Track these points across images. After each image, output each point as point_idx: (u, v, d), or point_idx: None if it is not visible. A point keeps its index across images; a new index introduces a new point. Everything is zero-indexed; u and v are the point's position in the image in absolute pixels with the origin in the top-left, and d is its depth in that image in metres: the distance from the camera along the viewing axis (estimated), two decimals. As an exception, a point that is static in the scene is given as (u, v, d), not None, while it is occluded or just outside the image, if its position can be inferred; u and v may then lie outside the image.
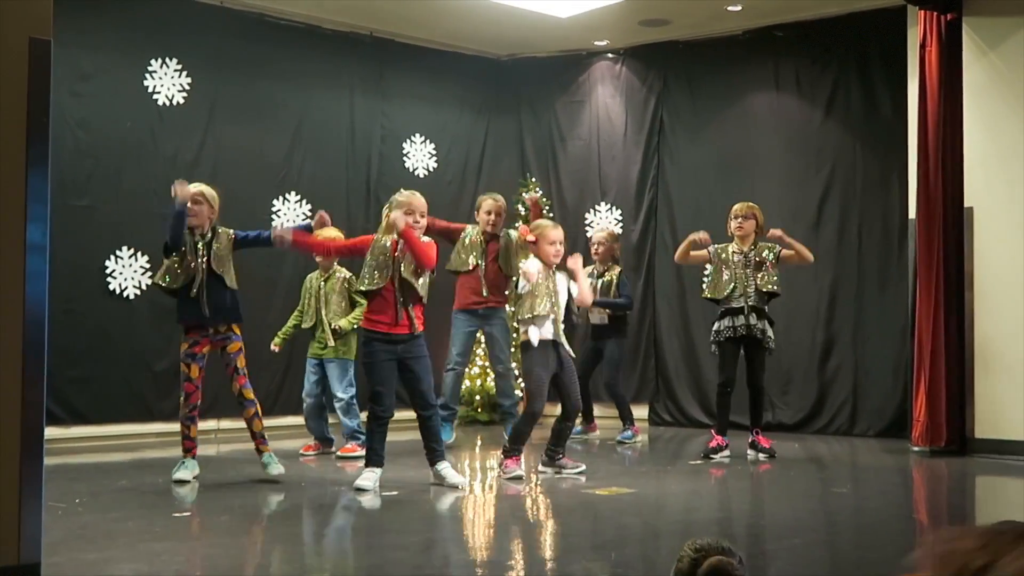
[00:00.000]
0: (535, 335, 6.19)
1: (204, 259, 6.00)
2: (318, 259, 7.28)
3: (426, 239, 5.92)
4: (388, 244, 5.79)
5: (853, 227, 8.81)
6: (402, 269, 5.76)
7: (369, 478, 5.76)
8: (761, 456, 7.18)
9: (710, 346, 7.46)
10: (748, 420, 7.36)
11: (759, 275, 7.16)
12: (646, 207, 9.80)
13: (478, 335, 8.02)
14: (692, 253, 7.38)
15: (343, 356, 7.26)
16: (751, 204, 7.35)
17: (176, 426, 6.20)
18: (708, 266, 7.42)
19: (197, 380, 5.98)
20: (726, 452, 7.13)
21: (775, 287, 7.20)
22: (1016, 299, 7.33)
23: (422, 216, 5.86)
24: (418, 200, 5.90)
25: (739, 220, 7.24)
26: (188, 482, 5.94)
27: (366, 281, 5.81)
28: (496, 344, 7.76)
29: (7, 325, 3.35)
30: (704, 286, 7.49)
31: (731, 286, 7.13)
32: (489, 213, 7.67)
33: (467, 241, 7.62)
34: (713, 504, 5.90)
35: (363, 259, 5.89)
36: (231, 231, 6.15)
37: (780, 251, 7.25)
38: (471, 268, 7.57)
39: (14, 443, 3.34)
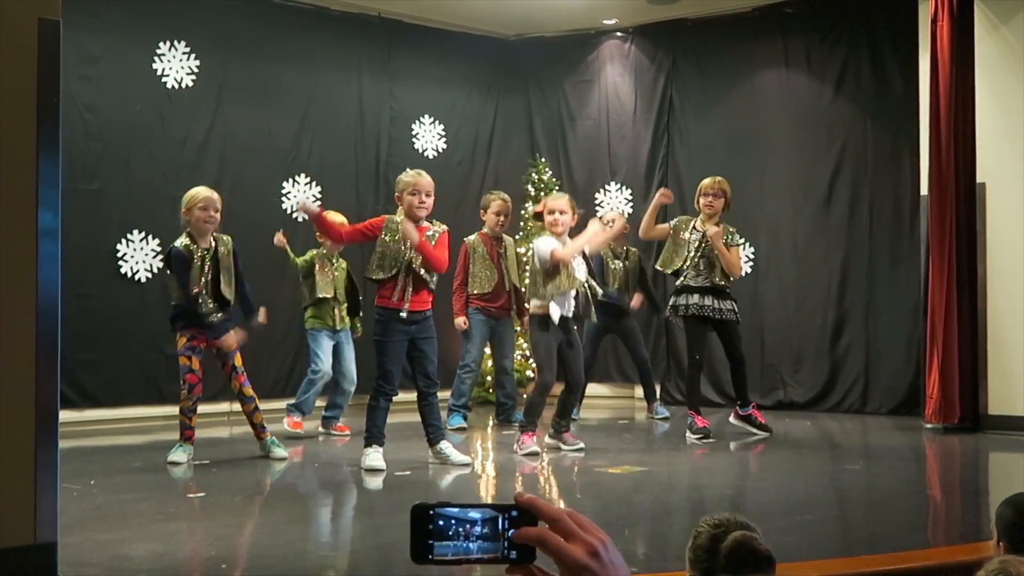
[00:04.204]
0: (556, 312, 6.21)
1: (212, 269, 6.05)
2: (326, 243, 7.28)
3: (430, 227, 5.95)
4: (401, 243, 5.78)
5: (864, 204, 8.77)
6: (414, 265, 5.79)
7: (378, 458, 5.78)
8: (756, 432, 7.16)
9: (667, 318, 7.29)
10: (735, 396, 7.35)
11: (719, 266, 6.98)
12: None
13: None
14: (656, 228, 7.20)
15: (349, 328, 7.38)
16: (721, 180, 7.16)
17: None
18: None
19: (199, 371, 6.03)
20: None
21: (727, 279, 7.05)
22: (1029, 275, 7.30)
23: (428, 196, 5.86)
24: (424, 180, 5.90)
25: (709, 198, 7.05)
26: (183, 464, 5.93)
27: (379, 272, 5.78)
28: (505, 344, 7.90)
29: (21, 310, 3.35)
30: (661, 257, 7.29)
31: (682, 263, 7.03)
32: (499, 215, 7.69)
33: (479, 259, 7.65)
34: (724, 481, 5.90)
35: (373, 242, 5.90)
36: (231, 245, 6.17)
37: (736, 241, 7.17)
38: (496, 284, 7.65)
39: (29, 425, 3.35)
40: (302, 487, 5.73)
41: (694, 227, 7.08)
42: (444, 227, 6.03)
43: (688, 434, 7.04)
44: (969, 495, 5.62)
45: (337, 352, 7.29)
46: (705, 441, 6.92)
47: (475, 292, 7.63)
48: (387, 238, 5.81)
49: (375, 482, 5.59)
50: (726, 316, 7.02)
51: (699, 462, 6.45)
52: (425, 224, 5.92)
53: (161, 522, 4.47)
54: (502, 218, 7.72)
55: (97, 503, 4.89)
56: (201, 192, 6.10)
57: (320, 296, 7.22)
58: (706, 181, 7.19)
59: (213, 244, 6.07)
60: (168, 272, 6.13)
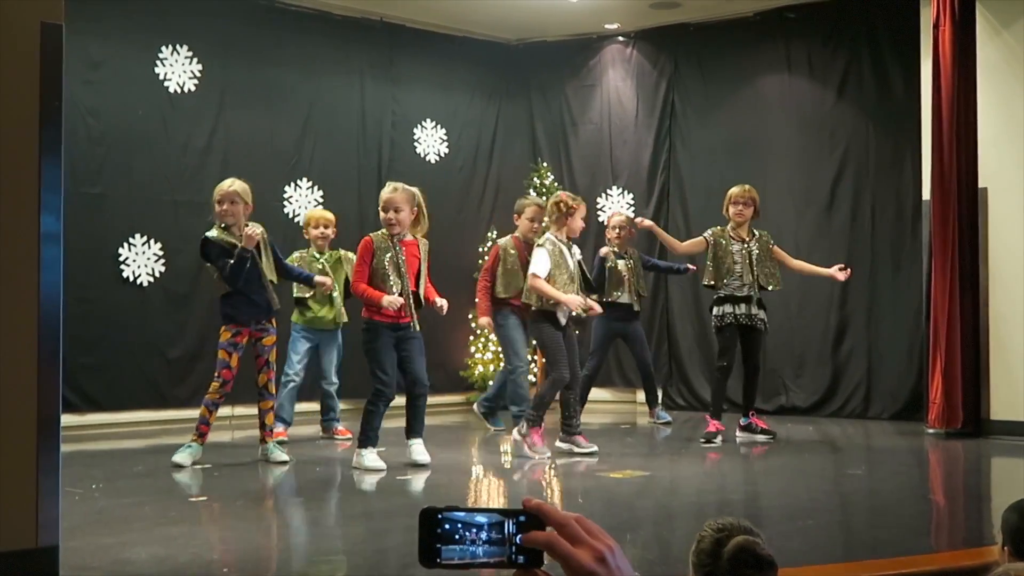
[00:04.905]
0: (563, 316, 6.39)
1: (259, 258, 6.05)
2: (317, 245, 7.27)
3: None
4: (400, 265, 5.95)
5: (866, 209, 8.77)
6: (416, 289, 6.03)
7: (374, 459, 5.91)
8: (762, 438, 7.18)
9: (715, 330, 7.40)
10: (741, 402, 7.38)
11: (761, 268, 7.13)
12: (658, 191, 9.77)
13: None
14: (686, 244, 7.37)
15: (339, 326, 7.26)
16: (750, 188, 7.27)
17: (189, 412, 6.23)
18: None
19: (236, 369, 6.04)
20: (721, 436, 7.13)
21: (776, 285, 7.18)
22: (1031, 279, 7.29)
23: (397, 211, 5.96)
24: (396, 196, 5.99)
25: (739, 207, 7.17)
26: (185, 467, 5.92)
27: (386, 286, 5.91)
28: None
29: (23, 314, 3.36)
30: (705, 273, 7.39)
31: (731, 274, 7.11)
32: (533, 220, 7.50)
33: (509, 264, 7.53)
34: (727, 486, 5.89)
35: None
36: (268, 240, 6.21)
37: (772, 243, 7.26)
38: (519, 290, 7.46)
39: (31, 429, 3.35)
40: (303, 491, 5.72)
41: (731, 236, 7.17)
42: (426, 242, 6.21)
43: (704, 439, 7.09)
44: (972, 500, 5.62)
45: (317, 352, 7.22)
46: (711, 445, 6.95)
47: (501, 295, 7.54)
48: (380, 257, 5.96)
49: (376, 486, 5.59)
50: (756, 324, 7.12)
51: (701, 467, 6.44)
52: (410, 238, 6.07)
53: (163, 526, 4.46)
54: (536, 224, 7.56)
55: (99, 507, 4.88)
56: (221, 186, 6.12)
57: (298, 295, 7.16)
58: (735, 189, 7.26)
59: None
60: (207, 264, 6.07)
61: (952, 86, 7.42)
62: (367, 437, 5.93)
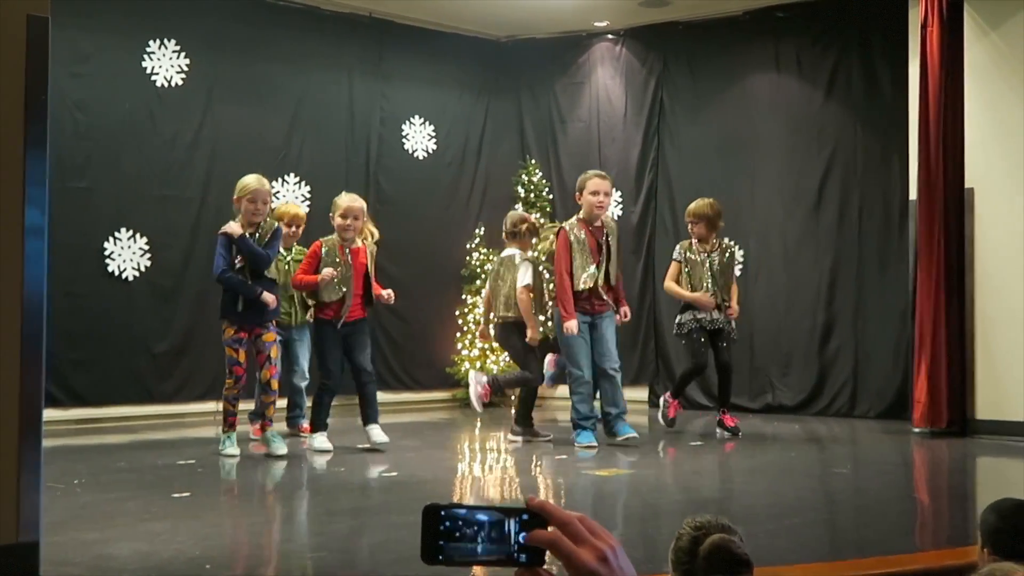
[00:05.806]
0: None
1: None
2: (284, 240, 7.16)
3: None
4: (345, 268, 6.39)
5: (854, 208, 8.78)
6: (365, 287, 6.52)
7: (324, 442, 6.38)
8: (726, 435, 7.25)
9: (677, 338, 7.62)
10: (716, 400, 7.57)
11: (723, 279, 7.28)
12: (646, 189, 9.76)
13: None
14: (672, 286, 7.37)
15: (304, 324, 7.11)
16: (701, 205, 7.35)
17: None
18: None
19: (245, 363, 6.17)
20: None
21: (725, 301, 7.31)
22: (1016, 280, 7.31)
23: (356, 219, 6.45)
24: (355, 205, 6.52)
25: (689, 226, 7.41)
26: (237, 456, 6.05)
27: (328, 295, 6.35)
28: (609, 342, 6.79)
29: (6, 308, 3.34)
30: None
31: (701, 284, 7.22)
32: (596, 194, 6.70)
33: (579, 247, 6.66)
34: (712, 484, 5.90)
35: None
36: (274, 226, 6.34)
37: (733, 256, 7.49)
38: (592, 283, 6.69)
39: (13, 425, 3.34)
40: (287, 488, 5.71)
41: (696, 248, 7.31)
42: (366, 244, 6.60)
43: (659, 416, 7.47)
44: (956, 499, 5.64)
45: (287, 349, 7.01)
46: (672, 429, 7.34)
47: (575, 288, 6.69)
48: (326, 262, 6.37)
49: (360, 483, 5.58)
50: (721, 326, 7.24)
51: (687, 464, 6.45)
52: (358, 244, 6.49)
53: (146, 522, 4.45)
54: (602, 197, 6.69)
55: (82, 502, 4.87)
56: (251, 184, 6.17)
57: None
58: (690, 207, 7.44)
59: (256, 229, 6.16)
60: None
61: (939, 86, 7.44)
62: (315, 424, 6.47)
